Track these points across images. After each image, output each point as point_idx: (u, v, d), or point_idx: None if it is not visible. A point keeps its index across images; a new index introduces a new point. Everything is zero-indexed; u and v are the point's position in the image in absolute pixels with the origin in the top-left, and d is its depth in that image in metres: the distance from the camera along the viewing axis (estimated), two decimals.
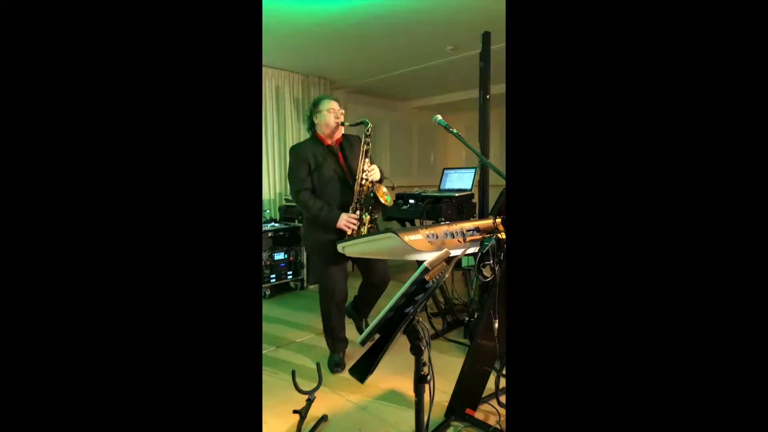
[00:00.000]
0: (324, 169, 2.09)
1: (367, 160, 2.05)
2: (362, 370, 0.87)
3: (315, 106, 2.15)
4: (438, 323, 2.67)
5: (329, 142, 2.14)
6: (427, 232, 1.29)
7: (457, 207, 2.57)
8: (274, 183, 4.04)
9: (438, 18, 2.74)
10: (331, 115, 2.09)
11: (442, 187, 2.91)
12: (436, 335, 2.55)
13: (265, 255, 3.44)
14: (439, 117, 1.83)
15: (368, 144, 2.06)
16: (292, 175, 2.12)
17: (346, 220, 2.01)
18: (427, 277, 0.94)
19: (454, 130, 1.77)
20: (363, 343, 0.96)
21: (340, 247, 1.46)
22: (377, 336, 0.97)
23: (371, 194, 2.04)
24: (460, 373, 1.65)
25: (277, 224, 3.65)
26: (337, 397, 1.89)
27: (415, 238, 1.24)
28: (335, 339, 2.20)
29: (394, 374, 2.05)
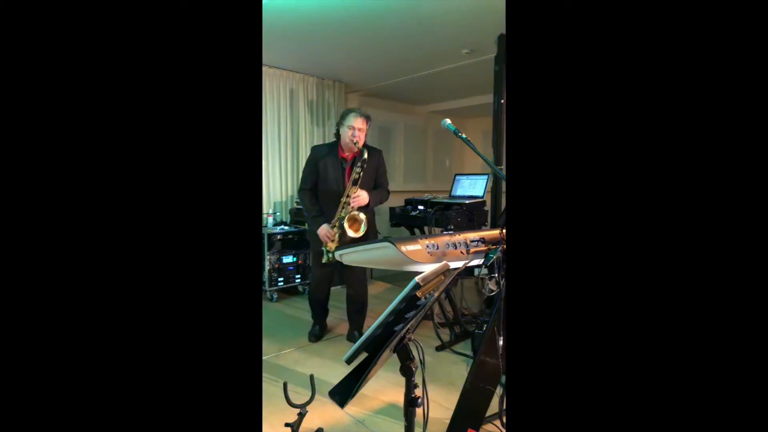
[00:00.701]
0: (328, 177, 2.28)
1: (355, 188, 2.17)
2: (343, 394, 0.81)
3: (342, 118, 2.30)
4: (445, 334, 2.58)
5: (344, 154, 2.32)
6: (426, 242, 1.22)
7: (468, 215, 2.48)
8: (285, 186, 4.03)
9: (453, 20, 2.67)
10: (350, 133, 2.23)
11: (453, 193, 2.83)
12: (443, 347, 2.46)
13: (273, 258, 3.41)
14: (449, 121, 1.76)
15: (359, 174, 2.17)
16: (303, 171, 2.38)
17: (323, 233, 2.23)
18: (418, 294, 0.87)
19: (463, 135, 1.70)
20: (349, 361, 0.90)
21: (337, 254, 1.41)
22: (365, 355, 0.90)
23: (341, 224, 2.16)
24: (462, 390, 1.57)
25: (287, 227, 3.62)
26: (334, 409, 1.82)
27: (413, 248, 1.18)
28: (314, 314, 2.63)
29: (395, 386, 1.98)
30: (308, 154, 2.38)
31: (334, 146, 2.33)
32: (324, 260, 2.28)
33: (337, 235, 2.20)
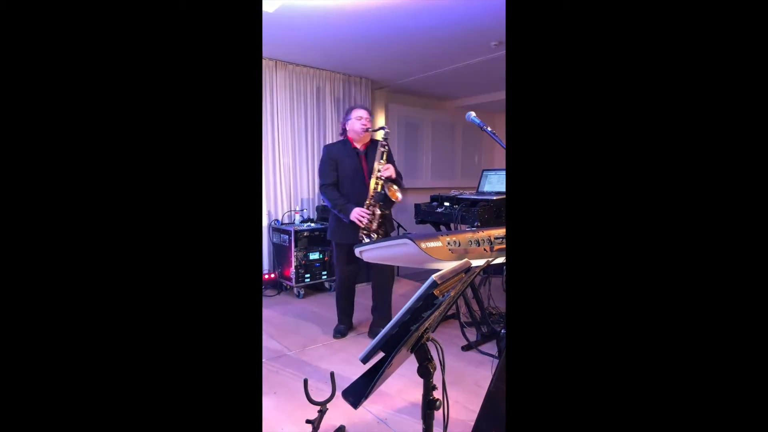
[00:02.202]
0: (347, 167, 2.42)
1: (383, 161, 2.31)
2: (356, 394, 0.78)
3: (346, 114, 2.51)
4: (472, 334, 2.52)
5: (357, 145, 2.46)
6: (447, 239, 1.18)
7: (495, 211, 2.41)
8: (312, 183, 4.05)
9: (481, 12, 2.60)
10: (359, 122, 2.42)
11: (480, 189, 2.76)
12: (469, 346, 2.41)
13: (300, 254, 3.44)
14: (473, 114, 1.70)
15: (384, 147, 2.33)
16: (320, 170, 2.51)
17: (357, 213, 2.29)
18: (436, 292, 0.83)
19: (488, 128, 1.64)
20: (365, 360, 0.87)
21: (357, 251, 1.39)
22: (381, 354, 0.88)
23: (383, 191, 2.29)
24: (486, 392, 1.52)
25: (313, 224, 3.64)
26: None
27: (434, 245, 1.14)
28: (340, 313, 2.66)
29: (418, 385, 1.94)
30: (322, 154, 2.50)
31: (345, 141, 2.47)
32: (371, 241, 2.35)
33: (378, 211, 2.30)
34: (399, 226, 4.07)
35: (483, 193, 2.66)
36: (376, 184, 2.30)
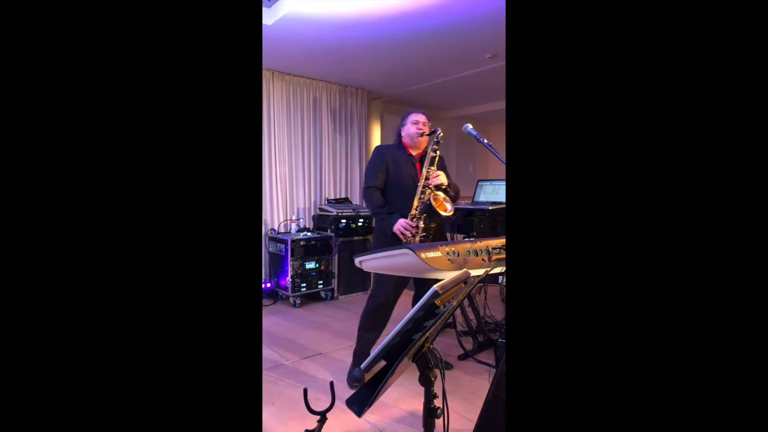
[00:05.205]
0: (401, 173, 2.16)
1: (432, 167, 2.05)
2: (360, 403, 0.79)
3: (402, 119, 2.27)
4: (469, 343, 2.53)
5: (412, 151, 2.22)
6: (447, 249, 1.20)
7: (491, 221, 2.44)
8: (309, 192, 4.07)
9: (476, 25, 2.65)
10: (414, 127, 2.19)
11: (475, 199, 2.80)
12: (466, 355, 2.42)
13: (296, 264, 3.45)
14: (470, 126, 1.74)
15: (435, 151, 2.07)
16: (368, 171, 2.22)
17: (402, 225, 1.99)
18: (437, 302, 0.85)
19: (485, 140, 1.67)
20: (367, 369, 0.89)
21: (356, 261, 1.40)
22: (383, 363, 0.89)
23: (428, 201, 1.96)
24: (484, 402, 1.53)
25: (309, 233, 3.65)
26: (354, 416, 1.81)
27: (434, 255, 1.16)
28: (362, 343, 2.15)
29: (415, 395, 1.95)
30: (373, 155, 2.25)
31: (400, 146, 2.23)
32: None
33: (420, 225, 1.99)
34: None
35: (478, 203, 2.69)
36: (423, 193, 2.00)
